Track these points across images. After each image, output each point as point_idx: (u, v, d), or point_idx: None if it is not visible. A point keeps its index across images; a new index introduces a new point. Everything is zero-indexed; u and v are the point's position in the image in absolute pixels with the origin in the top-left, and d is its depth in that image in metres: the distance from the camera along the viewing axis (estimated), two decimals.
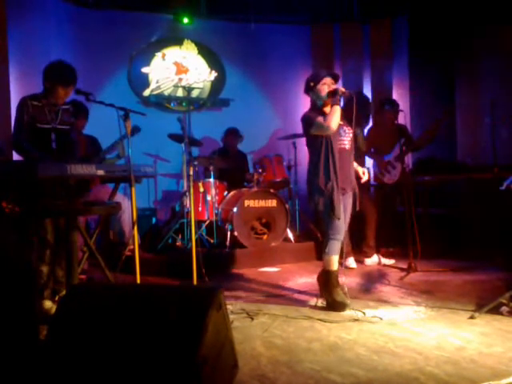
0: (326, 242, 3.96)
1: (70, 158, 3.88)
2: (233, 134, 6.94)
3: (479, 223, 5.71)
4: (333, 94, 3.92)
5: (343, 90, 3.91)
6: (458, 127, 7.29)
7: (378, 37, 7.83)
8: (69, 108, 3.97)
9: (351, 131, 4.03)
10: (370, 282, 4.81)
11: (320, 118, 3.88)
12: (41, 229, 3.70)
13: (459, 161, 7.10)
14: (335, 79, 4.03)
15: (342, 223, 3.92)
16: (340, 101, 3.91)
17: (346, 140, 4.00)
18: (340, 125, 3.93)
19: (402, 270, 5.25)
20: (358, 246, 5.79)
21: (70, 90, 3.84)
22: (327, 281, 3.95)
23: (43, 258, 3.71)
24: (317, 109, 4.02)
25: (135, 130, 4.25)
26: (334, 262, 3.94)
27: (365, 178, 4.20)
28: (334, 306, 3.84)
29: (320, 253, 6.07)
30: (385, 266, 5.55)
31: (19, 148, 3.84)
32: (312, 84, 4.00)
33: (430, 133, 5.63)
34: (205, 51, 7.72)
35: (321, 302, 4.09)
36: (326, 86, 3.96)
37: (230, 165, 6.46)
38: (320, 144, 3.91)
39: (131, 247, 4.80)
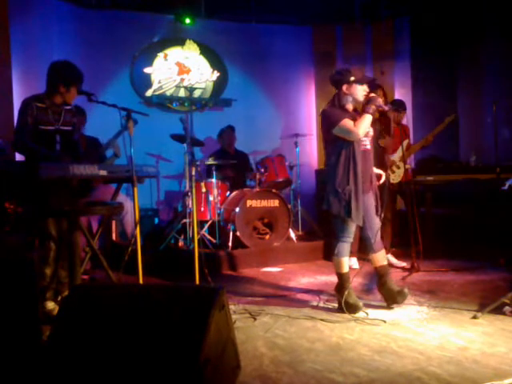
0: (335, 244, 3.89)
1: (75, 158, 3.87)
2: (229, 132, 6.94)
3: (481, 223, 5.70)
4: (369, 102, 3.76)
5: (383, 104, 3.79)
6: (461, 127, 7.29)
7: (379, 37, 7.85)
8: (71, 108, 3.96)
9: (372, 130, 3.92)
10: (373, 282, 4.80)
11: (348, 122, 3.70)
12: (43, 229, 3.71)
13: (462, 161, 7.10)
14: (371, 89, 3.88)
15: (354, 226, 3.83)
16: (371, 109, 3.75)
17: (368, 140, 3.88)
18: None
19: (404, 269, 5.25)
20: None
21: (80, 88, 3.84)
22: (339, 283, 3.91)
23: (47, 259, 3.71)
24: (339, 104, 3.82)
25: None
26: (344, 264, 3.89)
27: (382, 181, 4.11)
28: (347, 307, 3.78)
29: (326, 252, 6.13)
30: (393, 266, 5.49)
31: (22, 148, 3.79)
32: (352, 79, 3.75)
33: (428, 139, 5.63)
34: (207, 51, 7.72)
35: (323, 303, 4.09)
36: (364, 91, 3.79)
37: (231, 165, 6.46)
38: (341, 145, 3.76)
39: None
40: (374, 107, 3.74)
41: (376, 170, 4.07)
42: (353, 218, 3.73)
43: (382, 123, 5.07)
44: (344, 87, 3.79)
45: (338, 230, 3.87)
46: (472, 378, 2.59)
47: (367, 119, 3.73)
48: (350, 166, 3.74)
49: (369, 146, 3.89)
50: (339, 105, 3.83)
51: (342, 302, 3.80)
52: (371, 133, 3.92)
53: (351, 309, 3.77)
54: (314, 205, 7.51)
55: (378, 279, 4.00)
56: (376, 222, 3.91)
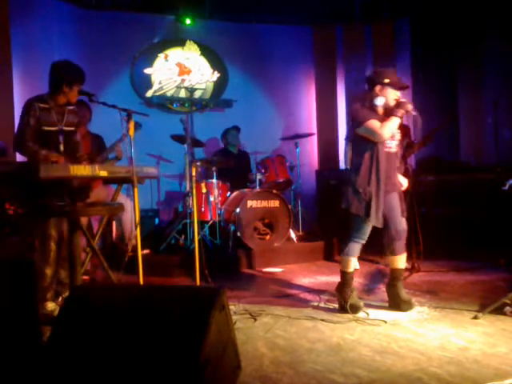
0: (346, 243, 3.86)
1: (76, 158, 3.88)
2: (235, 133, 6.94)
3: (482, 223, 5.70)
4: (399, 106, 3.73)
5: (411, 109, 3.73)
6: (461, 127, 7.28)
7: (380, 38, 7.84)
8: (74, 108, 3.96)
9: (399, 134, 3.88)
10: (373, 283, 4.81)
11: (374, 123, 3.68)
12: (44, 229, 3.71)
13: (462, 161, 7.10)
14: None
15: (369, 227, 3.79)
16: (399, 112, 3.71)
17: (394, 143, 3.83)
18: None
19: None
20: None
21: (82, 86, 3.85)
22: (342, 282, 3.89)
23: (47, 259, 3.71)
24: (369, 104, 3.80)
25: (136, 126, 4.25)
26: (352, 263, 3.85)
27: (404, 188, 4.05)
28: (347, 307, 3.76)
29: (326, 253, 6.15)
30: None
31: (22, 148, 3.79)
32: (387, 81, 3.74)
33: (427, 138, 5.63)
34: (207, 52, 7.72)
35: (324, 303, 4.09)
36: (395, 95, 3.77)
37: (233, 165, 6.47)
38: (366, 146, 3.74)
39: (133, 242, 4.78)
40: (403, 111, 3.71)
41: (400, 178, 4.00)
42: (371, 219, 3.70)
43: None
44: (377, 88, 3.78)
45: (353, 229, 3.83)
46: (473, 378, 2.59)
47: (394, 122, 3.69)
48: (372, 166, 3.71)
49: (394, 149, 3.84)
50: (370, 105, 3.80)
51: (347, 303, 3.77)
52: (398, 136, 3.87)
53: (352, 309, 3.77)
54: (315, 205, 7.51)
55: (389, 280, 3.99)
56: (401, 223, 3.86)
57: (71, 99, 3.85)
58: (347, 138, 5.60)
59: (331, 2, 7.56)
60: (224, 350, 2.41)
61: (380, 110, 3.81)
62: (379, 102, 3.77)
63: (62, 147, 3.82)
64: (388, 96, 3.77)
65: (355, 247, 3.84)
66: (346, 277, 3.88)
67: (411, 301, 3.88)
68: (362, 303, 3.83)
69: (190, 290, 2.58)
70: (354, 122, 3.79)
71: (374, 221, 3.72)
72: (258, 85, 7.98)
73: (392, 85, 3.76)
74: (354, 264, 3.89)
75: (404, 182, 4.04)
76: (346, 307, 3.77)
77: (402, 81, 3.87)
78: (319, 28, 8.10)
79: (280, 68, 8.03)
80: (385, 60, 7.75)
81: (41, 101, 3.77)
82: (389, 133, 3.69)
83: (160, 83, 7.48)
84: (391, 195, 3.83)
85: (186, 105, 7.53)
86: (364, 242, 3.86)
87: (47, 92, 3.84)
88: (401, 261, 3.92)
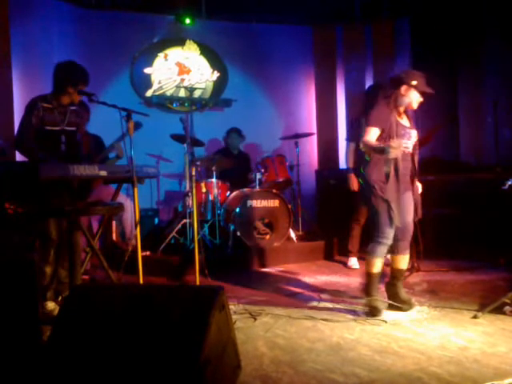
0: (371, 243, 3.79)
1: (76, 158, 3.88)
2: (234, 134, 6.96)
3: (482, 223, 5.70)
4: (390, 160, 3.63)
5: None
6: (461, 127, 7.29)
7: (380, 38, 7.83)
8: (76, 109, 3.96)
9: (416, 135, 3.83)
10: None
11: (371, 133, 3.64)
12: (44, 229, 3.71)
13: (462, 161, 7.10)
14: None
15: (392, 227, 3.70)
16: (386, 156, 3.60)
17: (410, 143, 3.78)
18: (406, 127, 3.77)
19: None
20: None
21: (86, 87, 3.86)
22: (367, 282, 3.82)
23: (47, 258, 3.72)
24: (395, 104, 3.76)
25: (136, 125, 4.24)
26: (376, 264, 3.76)
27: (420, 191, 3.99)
28: (370, 310, 3.70)
29: (326, 252, 6.15)
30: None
31: (22, 147, 3.83)
32: (414, 83, 3.71)
33: (425, 139, 5.63)
34: (207, 52, 7.72)
35: (324, 302, 4.09)
36: (418, 98, 3.75)
37: (233, 165, 6.47)
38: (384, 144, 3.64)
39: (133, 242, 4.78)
40: (389, 161, 3.62)
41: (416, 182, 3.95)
42: (394, 220, 3.64)
43: None
44: (403, 88, 3.74)
45: (373, 228, 3.78)
46: (472, 377, 2.59)
47: (377, 151, 3.57)
48: (391, 166, 3.65)
49: (410, 149, 3.79)
50: (394, 105, 3.76)
51: (369, 305, 3.72)
52: (415, 138, 3.83)
53: (374, 312, 3.68)
54: (315, 205, 7.51)
55: (389, 279, 3.96)
56: (408, 224, 3.82)
57: (75, 99, 3.86)
58: (348, 139, 5.63)
59: (331, 2, 7.56)
60: (224, 350, 2.41)
61: (401, 109, 3.80)
62: (405, 101, 3.76)
63: (63, 147, 3.83)
64: (412, 98, 3.75)
65: (377, 248, 3.74)
66: (370, 277, 3.79)
67: (411, 300, 3.87)
68: (383, 306, 3.75)
69: (190, 290, 2.58)
70: (367, 117, 3.77)
71: (397, 221, 3.66)
72: (257, 84, 7.98)
73: (417, 88, 3.73)
74: (378, 265, 3.77)
75: (420, 186, 3.99)
76: (368, 310, 3.71)
77: (427, 86, 3.79)
78: (319, 28, 8.09)
79: (280, 68, 8.02)
80: (385, 60, 7.75)
81: (44, 100, 3.79)
82: (366, 150, 3.71)
83: (160, 83, 7.48)
84: (405, 194, 3.79)
85: (186, 104, 7.54)
86: (389, 242, 3.74)
87: (51, 92, 3.85)
88: (403, 261, 3.90)
